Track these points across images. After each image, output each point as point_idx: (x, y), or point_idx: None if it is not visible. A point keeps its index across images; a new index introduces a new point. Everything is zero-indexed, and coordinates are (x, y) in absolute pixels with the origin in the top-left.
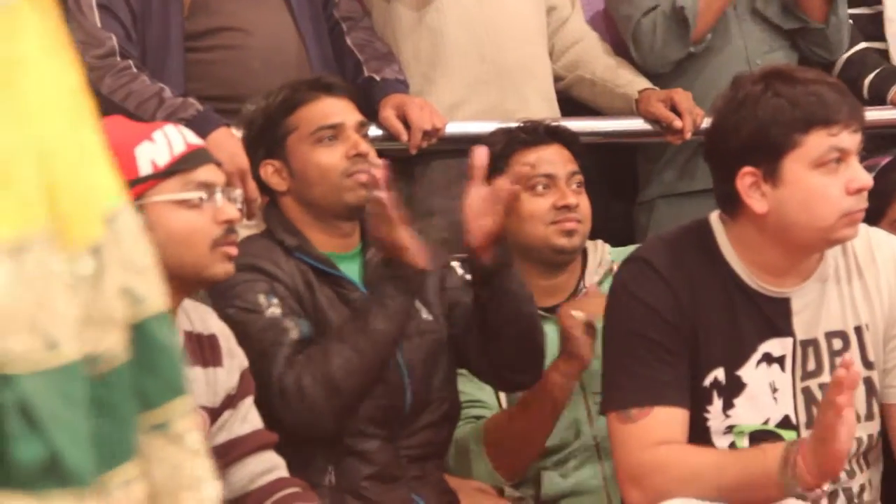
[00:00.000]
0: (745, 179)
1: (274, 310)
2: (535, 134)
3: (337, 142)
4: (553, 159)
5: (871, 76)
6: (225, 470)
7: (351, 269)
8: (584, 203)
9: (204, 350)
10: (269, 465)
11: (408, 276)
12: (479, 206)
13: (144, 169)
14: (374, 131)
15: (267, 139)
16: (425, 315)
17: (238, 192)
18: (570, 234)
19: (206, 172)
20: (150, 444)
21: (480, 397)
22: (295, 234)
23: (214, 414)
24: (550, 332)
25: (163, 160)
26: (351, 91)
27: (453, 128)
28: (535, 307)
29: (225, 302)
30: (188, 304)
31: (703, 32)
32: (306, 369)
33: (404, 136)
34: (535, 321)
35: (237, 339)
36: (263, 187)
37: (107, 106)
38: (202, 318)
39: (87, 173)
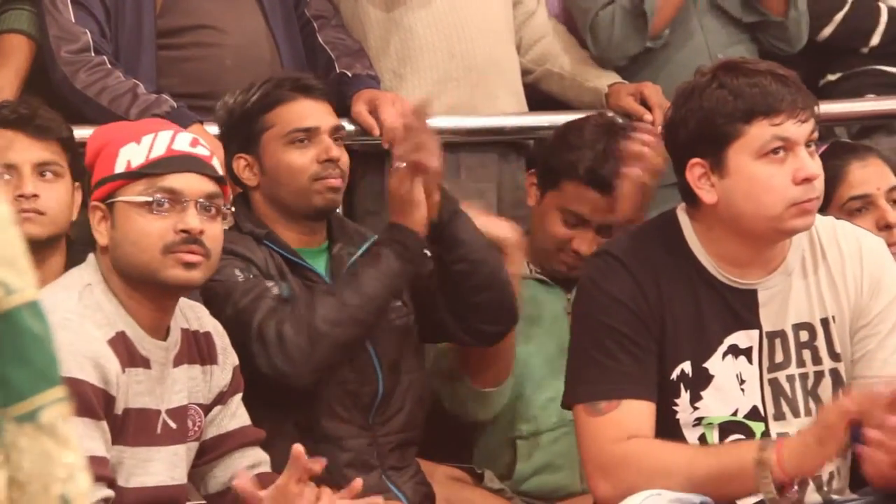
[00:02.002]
0: (694, 170)
1: (252, 278)
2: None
3: (310, 144)
4: None
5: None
6: (211, 464)
7: (318, 263)
8: None
9: (201, 348)
10: (253, 461)
11: (407, 243)
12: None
13: (119, 167)
14: (346, 126)
15: (242, 133)
16: (394, 302)
17: (228, 206)
18: None
19: (179, 180)
20: (17, 434)
21: None
22: (262, 227)
23: (207, 410)
24: (553, 301)
25: (136, 162)
26: (329, 95)
27: None
28: (493, 253)
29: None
30: (184, 302)
31: (660, 27)
32: (289, 318)
33: (376, 131)
34: (496, 266)
35: (217, 305)
36: (235, 180)
37: (81, 101)
38: (197, 316)
39: None
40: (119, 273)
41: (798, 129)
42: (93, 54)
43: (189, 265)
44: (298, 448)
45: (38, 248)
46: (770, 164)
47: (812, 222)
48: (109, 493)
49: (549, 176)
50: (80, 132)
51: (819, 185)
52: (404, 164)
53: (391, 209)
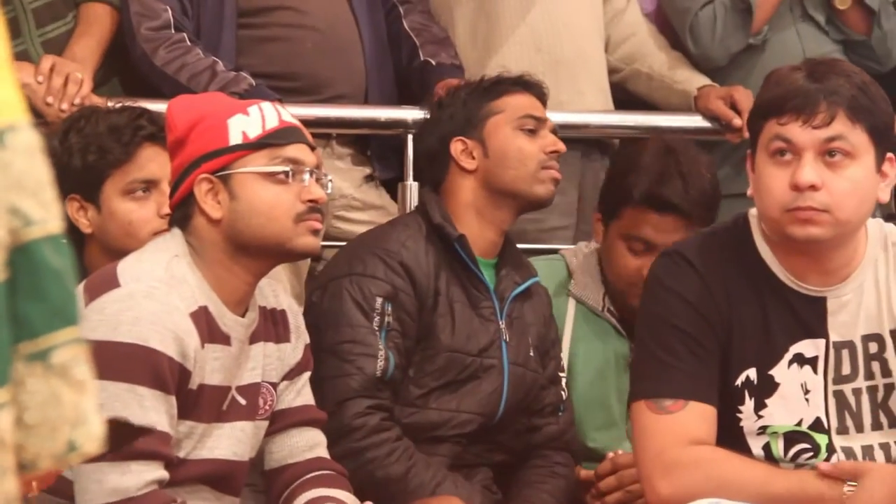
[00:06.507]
0: (748, 164)
1: (377, 322)
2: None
3: (537, 135)
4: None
5: None
6: (269, 439)
7: (487, 276)
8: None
9: (276, 325)
10: (311, 442)
11: None
12: None
13: (234, 139)
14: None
15: (464, 117)
16: (532, 353)
17: (328, 177)
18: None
19: (296, 150)
20: (26, 374)
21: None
22: (451, 224)
23: (277, 388)
24: (621, 347)
25: (253, 133)
26: (545, 96)
27: None
28: None
29: (339, 278)
30: (262, 279)
31: (761, 22)
32: (390, 443)
33: None
34: None
35: (318, 330)
36: (439, 165)
37: (160, 78)
38: (274, 292)
39: None
40: (233, 244)
41: (805, 134)
42: (173, 31)
43: (316, 232)
44: None
45: None
46: (774, 166)
47: (813, 232)
48: (164, 475)
49: (609, 206)
50: (158, 107)
51: (821, 197)
52: None
53: None
